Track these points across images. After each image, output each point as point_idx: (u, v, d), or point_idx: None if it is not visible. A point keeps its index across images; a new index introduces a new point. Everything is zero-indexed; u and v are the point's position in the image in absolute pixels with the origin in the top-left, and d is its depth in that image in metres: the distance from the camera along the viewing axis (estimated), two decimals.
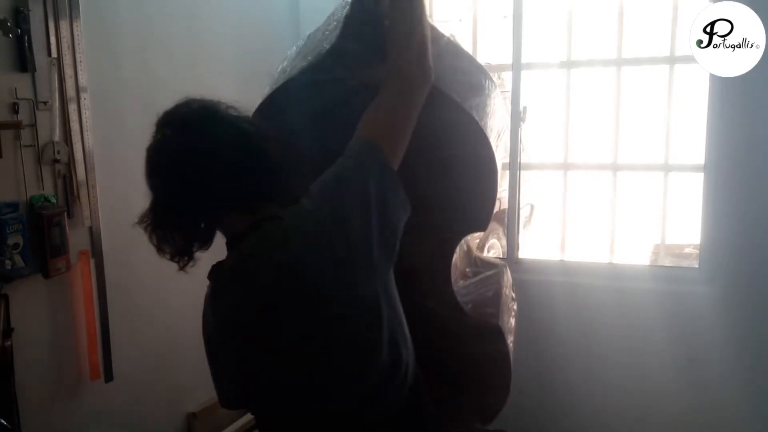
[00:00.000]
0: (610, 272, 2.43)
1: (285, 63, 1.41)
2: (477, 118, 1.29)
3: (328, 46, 1.29)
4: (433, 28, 1.27)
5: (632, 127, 2.64)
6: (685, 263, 3.26)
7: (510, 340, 1.51)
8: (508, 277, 1.63)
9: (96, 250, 1.82)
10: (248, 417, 2.25)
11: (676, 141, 2.38)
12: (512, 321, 1.58)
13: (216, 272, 1.11)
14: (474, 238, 1.78)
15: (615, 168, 2.46)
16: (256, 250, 1.05)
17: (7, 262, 1.55)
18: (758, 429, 2.21)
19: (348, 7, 1.30)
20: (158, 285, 2.06)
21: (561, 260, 2.55)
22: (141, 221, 1.12)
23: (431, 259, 1.35)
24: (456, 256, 1.46)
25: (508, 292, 1.61)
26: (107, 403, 1.88)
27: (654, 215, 2.59)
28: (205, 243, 1.12)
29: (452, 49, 1.41)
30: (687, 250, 3.52)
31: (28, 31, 1.59)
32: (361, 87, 1.24)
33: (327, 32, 1.34)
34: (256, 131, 1.10)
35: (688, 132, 2.37)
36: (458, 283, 1.48)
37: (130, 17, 1.92)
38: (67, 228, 1.69)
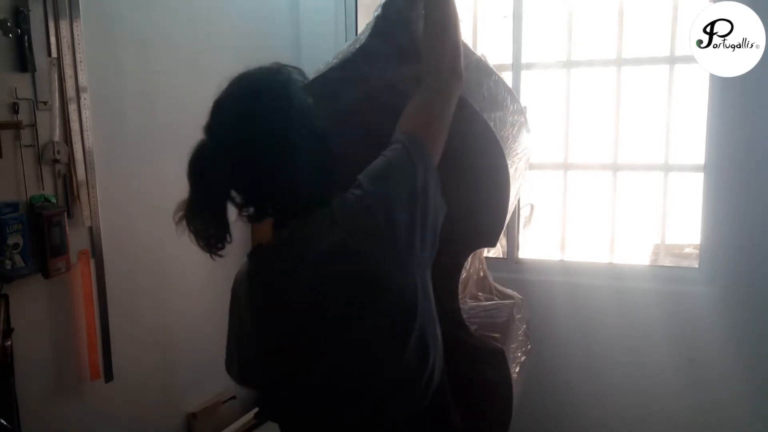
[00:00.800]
0: (610, 272, 2.43)
1: (321, 66, 1.43)
2: (495, 129, 1.29)
3: (358, 46, 1.33)
4: (465, 46, 1.29)
5: (632, 127, 2.63)
6: (685, 263, 3.26)
7: (516, 371, 1.48)
8: (524, 312, 1.61)
9: (96, 250, 1.82)
10: (248, 417, 2.25)
11: (676, 141, 2.38)
12: (522, 356, 1.56)
13: (257, 251, 1.11)
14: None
15: (615, 168, 2.46)
16: (302, 232, 1.05)
17: (7, 262, 1.55)
18: (758, 429, 2.21)
19: (380, 8, 1.33)
20: (158, 285, 2.07)
21: (561, 260, 2.55)
22: (178, 213, 1.10)
23: (437, 272, 1.34)
24: (466, 275, 1.45)
25: (521, 325, 1.59)
26: (107, 403, 1.88)
27: (654, 215, 2.59)
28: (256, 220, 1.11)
29: (482, 66, 1.44)
30: (687, 250, 3.51)
31: (28, 31, 1.59)
32: (387, 86, 1.27)
33: (362, 36, 1.36)
34: (312, 124, 1.06)
35: (688, 132, 2.37)
36: (466, 303, 1.47)
37: (130, 17, 1.92)
38: (67, 228, 1.69)
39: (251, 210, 1.07)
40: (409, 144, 1.08)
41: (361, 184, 1.06)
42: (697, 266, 2.32)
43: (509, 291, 1.67)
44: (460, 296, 1.40)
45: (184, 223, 1.09)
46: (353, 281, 1.02)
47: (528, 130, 1.59)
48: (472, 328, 1.43)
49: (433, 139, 1.11)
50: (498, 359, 1.42)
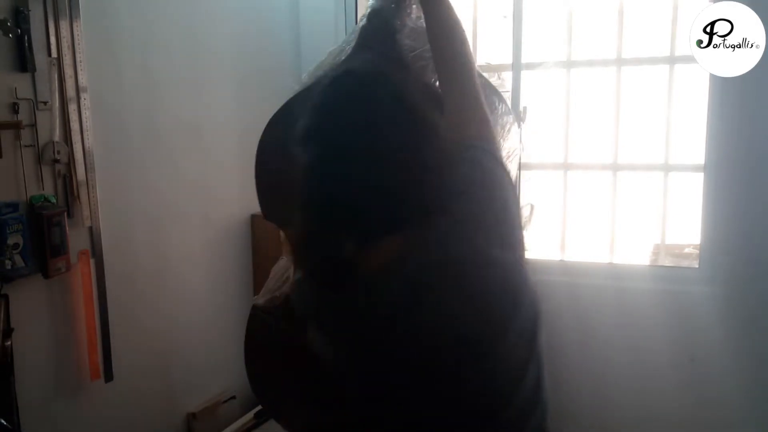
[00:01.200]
0: (610, 272, 2.43)
1: (304, 77, 1.42)
2: None
3: (344, 57, 1.31)
4: None
5: (632, 127, 2.63)
6: (685, 263, 3.25)
7: None
8: None
9: (96, 250, 1.82)
10: (248, 417, 2.25)
11: (676, 141, 2.38)
12: None
13: (352, 276, 0.91)
14: None
15: (615, 168, 2.46)
16: (420, 245, 0.89)
17: (7, 262, 1.55)
18: (758, 429, 2.21)
19: (364, 19, 1.32)
20: (158, 285, 2.07)
21: (561, 260, 2.55)
22: (285, 256, 0.96)
23: None
24: None
25: None
26: (107, 403, 1.89)
27: (654, 215, 2.59)
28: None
29: None
30: (687, 250, 3.51)
31: (28, 31, 1.59)
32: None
33: (346, 45, 1.35)
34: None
35: (688, 132, 2.37)
36: None
37: (130, 17, 1.92)
38: (67, 228, 1.69)
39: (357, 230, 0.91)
40: (487, 146, 1.02)
41: (465, 191, 0.95)
42: (697, 266, 2.32)
43: None
44: None
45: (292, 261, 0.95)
46: (495, 293, 0.89)
47: (518, 126, 1.58)
48: None
49: (495, 135, 1.07)
50: None
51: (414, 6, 1.31)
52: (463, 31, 1.18)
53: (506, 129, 1.45)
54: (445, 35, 1.17)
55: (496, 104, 1.42)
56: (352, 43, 1.33)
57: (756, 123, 2.11)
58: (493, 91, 1.46)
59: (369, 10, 1.33)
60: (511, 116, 1.50)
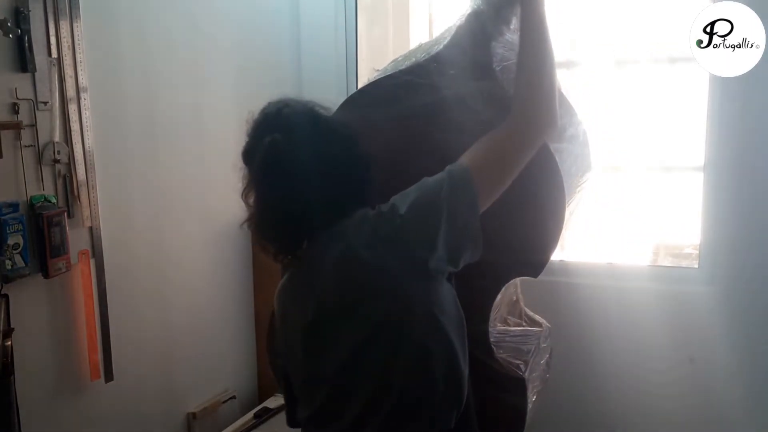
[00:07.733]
0: (610, 272, 2.43)
1: (387, 65, 1.41)
2: (558, 159, 1.27)
3: (433, 52, 1.30)
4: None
5: (632, 128, 2.63)
6: (685, 263, 3.25)
7: (532, 399, 1.46)
8: (549, 343, 1.60)
9: (96, 250, 1.82)
10: (248, 417, 2.25)
11: (676, 141, 2.38)
12: (540, 385, 1.53)
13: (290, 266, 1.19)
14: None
15: (615, 168, 2.46)
16: (319, 247, 1.12)
17: (8, 262, 1.56)
18: (758, 429, 2.21)
19: (463, 18, 1.30)
20: (158, 285, 2.07)
21: (561, 260, 2.55)
22: (248, 223, 1.17)
23: (473, 293, 1.28)
24: (500, 298, 1.43)
25: (545, 354, 1.57)
26: (107, 403, 1.89)
27: (654, 215, 2.59)
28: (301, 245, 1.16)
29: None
30: (687, 250, 3.51)
31: (28, 32, 1.59)
32: (453, 98, 1.24)
33: (440, 40, 1.34)
34: (356, 136, 1.14)
35: (688, 132, 2.37)
36: (495, 327, 1.45)
37: (131, 17, 1.92)
38: (67, 228, 1.69)
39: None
40: (457, 172, 1.07)
41: (395, 204, 1.08)
42: (697, 266, 2.32)
43: (538, 318, 1.67)
44: (491, 319, 1.39)
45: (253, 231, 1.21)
46: (364, 294, 1.08)
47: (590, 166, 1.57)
48: (498, 352, 1.41)
49: (487, 181, 1.08)
50: (518, 387, 1.40)
51: (515, 18, 1.29)
52: (546, 72, 1.22)
53: (581, 160, 1.45)
54: (525, 73, 1.18)
55: (579, 133, 1.42)
56: (445, 41, 1.31)
57: (756, 123, 2.11)
58: (573, 116, 1.45)
59: (469, 11, 1.30)
60: (587, 148, 1.49)
